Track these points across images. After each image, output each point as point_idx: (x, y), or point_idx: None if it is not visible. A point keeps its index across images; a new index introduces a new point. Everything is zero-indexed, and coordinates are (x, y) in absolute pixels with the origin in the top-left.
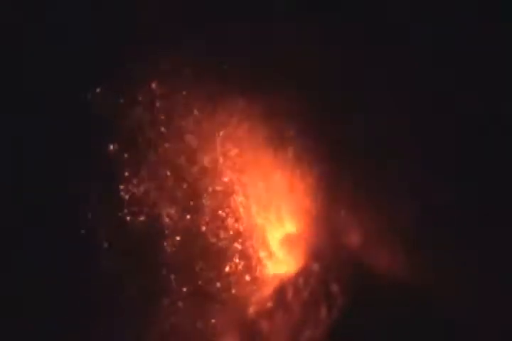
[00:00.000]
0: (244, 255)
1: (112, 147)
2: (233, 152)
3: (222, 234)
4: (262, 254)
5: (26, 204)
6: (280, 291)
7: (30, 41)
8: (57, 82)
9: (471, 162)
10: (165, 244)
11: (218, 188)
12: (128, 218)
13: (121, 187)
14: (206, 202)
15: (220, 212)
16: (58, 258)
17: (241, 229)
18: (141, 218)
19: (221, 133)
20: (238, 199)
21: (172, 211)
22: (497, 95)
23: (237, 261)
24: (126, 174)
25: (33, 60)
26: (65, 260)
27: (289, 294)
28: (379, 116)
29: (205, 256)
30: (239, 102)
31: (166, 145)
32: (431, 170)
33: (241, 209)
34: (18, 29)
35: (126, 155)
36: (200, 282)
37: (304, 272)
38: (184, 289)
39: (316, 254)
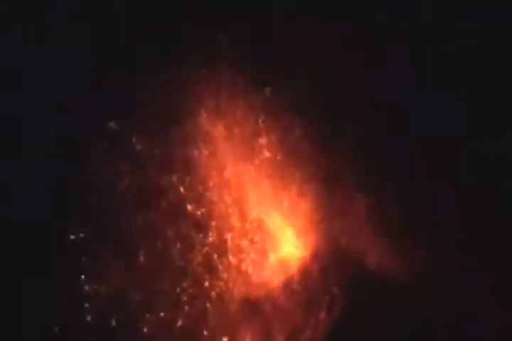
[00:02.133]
0: (243, 257)
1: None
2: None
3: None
4: (263, 255)
5: None
6: (280, 292)
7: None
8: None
9: (472, 163)
10: None
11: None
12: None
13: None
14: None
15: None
16: None
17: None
18: None
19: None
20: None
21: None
22: (497, 94)
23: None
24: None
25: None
26: None
27: (290, 295)
28: (379, 117)
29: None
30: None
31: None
32: (431, 171)
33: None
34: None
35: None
36: None
37: (304, 273)
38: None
39: (316, 255)
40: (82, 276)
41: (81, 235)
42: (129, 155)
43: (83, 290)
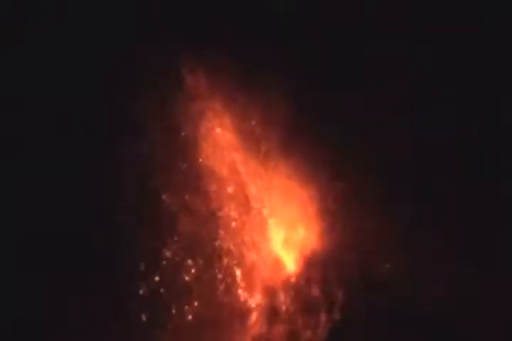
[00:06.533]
0: (244, 257)
1: None
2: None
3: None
4: (263, 256)
5: None
6: (280, 293)
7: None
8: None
9: (471, 165)
10: None
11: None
12: None
13: None
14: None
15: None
16: None
17: (242, 228)
18: None
19: None
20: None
21: None
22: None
23: (235, 262)
24: None
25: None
26: None
27: (290, 296)
28: (382, 119)
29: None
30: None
31: None
32: (430, 172)
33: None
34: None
35: None
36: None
37: (305, 274)
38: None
39: (317, 256)
40: None
41: None
42: None
43: None
